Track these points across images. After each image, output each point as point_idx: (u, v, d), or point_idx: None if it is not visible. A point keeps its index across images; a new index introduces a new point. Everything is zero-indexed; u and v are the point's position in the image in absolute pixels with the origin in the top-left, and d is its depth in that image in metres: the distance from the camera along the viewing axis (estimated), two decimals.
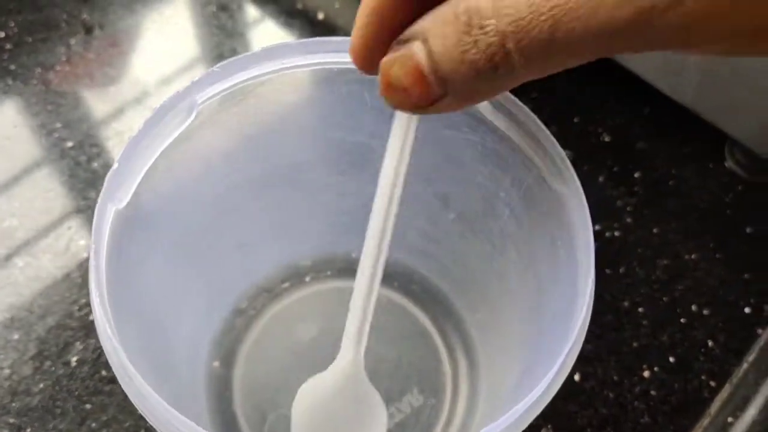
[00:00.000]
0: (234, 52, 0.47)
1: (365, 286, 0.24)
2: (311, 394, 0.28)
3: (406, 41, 0.18)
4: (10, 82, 0.44)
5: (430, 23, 0.18)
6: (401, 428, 0.34)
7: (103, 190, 0.25)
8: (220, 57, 0.47)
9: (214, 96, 0.27)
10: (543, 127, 0.26)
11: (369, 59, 0.20)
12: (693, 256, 0.40)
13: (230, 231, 0.33)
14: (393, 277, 0.37)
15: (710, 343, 0.38)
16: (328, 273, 0.38)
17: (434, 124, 0.30)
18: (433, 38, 0.18)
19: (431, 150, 0.31)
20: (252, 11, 0.49)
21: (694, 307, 0.39)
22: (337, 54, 0.28)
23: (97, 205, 0.24)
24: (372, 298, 0.25)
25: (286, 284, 0.37)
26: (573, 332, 0.22)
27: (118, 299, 0.23)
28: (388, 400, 0.34)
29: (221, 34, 0.48)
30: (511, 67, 0.17)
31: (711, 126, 0.42)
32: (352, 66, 0.22)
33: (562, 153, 0.26)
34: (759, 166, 0.42)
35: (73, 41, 0.46)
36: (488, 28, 0.17)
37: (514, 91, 0.22)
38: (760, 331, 0.38)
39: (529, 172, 0.27)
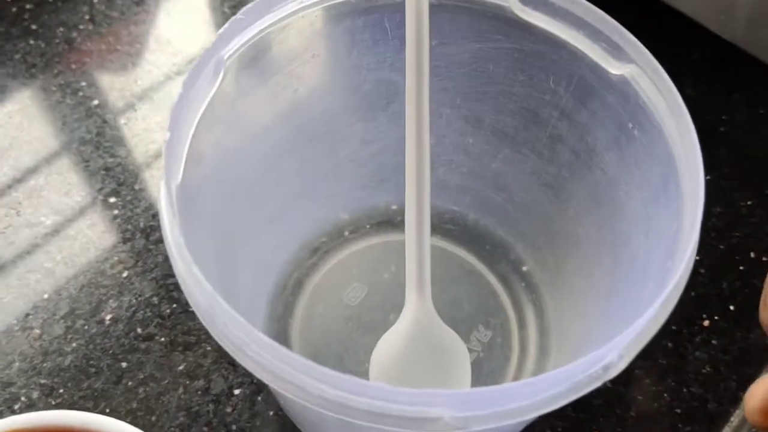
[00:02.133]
0: None
1: (414, 231, 0.23)
2: (387, 347, 0.27)
3: None
4: (32, 41, 0.43)
5: None
6: (478, 366, 0.32)
7: (164, 165, 0.22)
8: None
9: (239, 49, 0.26)
10: (597, 10, 0.24)
11: None
12: (748, 203, 0.38)
13: (265, 197, 0.32)
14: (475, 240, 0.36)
15: None
16: (367, 227, 0.37)
17: (459, 38, 0.28)
18: None
19: (455, 71, 0.30)
20: None
21: (752, 254, 0.37)
22: None
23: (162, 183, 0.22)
24: (425, 241, 0.24)
25: (324, 239, 0.36)
26: (679, 260, 0.21)
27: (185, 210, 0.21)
28: None
29: None
30: None
31: (762, 70, 0.40)
32: None
33: (621, 28, 0.24)
34: None
35: (96, 0, 0.45)
36: None
37: None
38: None
39: (581, 63, 0.25)
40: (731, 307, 0.35)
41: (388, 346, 0.27)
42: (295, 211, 0.34)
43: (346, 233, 0.36)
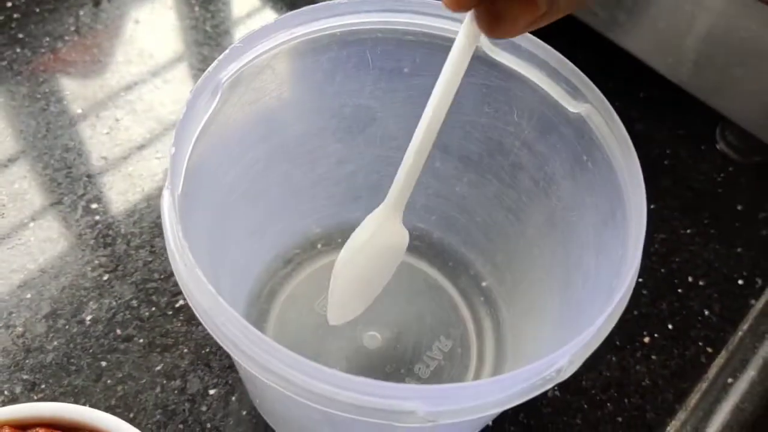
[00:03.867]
0: (238, 29, 0.48)
1: (420, 140, 0.26)
2: (355, 242, 0.30)
3: None
4: (18, 50, 0.44)
5: None
6: (440, 373, 0.35)
7: (169, 176, 0.24)
8: (226, 33, 0.47)
9: (234, 73, 0.28)
10: (559, 55, 0.27)
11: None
12: (688, 231, 0.42)
13: (247, 210, 0.34)
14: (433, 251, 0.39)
15: (706, 312, 0.39)
16: (339, 240, 0.39)
17: (434, 71, 0.31)
18: None
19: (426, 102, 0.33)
20: None
21: (690, 279, 0.40)
22: (340, 18, 0.29)
23: (164, 193, 0.24)
24: (424, 154, 0.26)
25: (298, 251, 0.38)
26: (623, 279, 0.23)
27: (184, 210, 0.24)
28: (420, 351, 0.35)
29: (227, 10, 0.48)
30: None
31: (704, 110, 0.44)
32: (353, 28, 0.23)
33: (578, 72, 0.27)
34: (748, 148, 0.44)
35: (81, 13, 0.46)
36: None
37: None
38: (753, 301, 0.39)
39: (541, 99, 0.28)
40: (669, 326, 0.39)
41: (357, 239, 0.30)
42: (273, 224, 0.36)
43: (319, 246, 0.39)
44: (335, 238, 0.39)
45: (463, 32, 0.23)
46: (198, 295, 0.22)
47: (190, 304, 0.22)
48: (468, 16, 0.23)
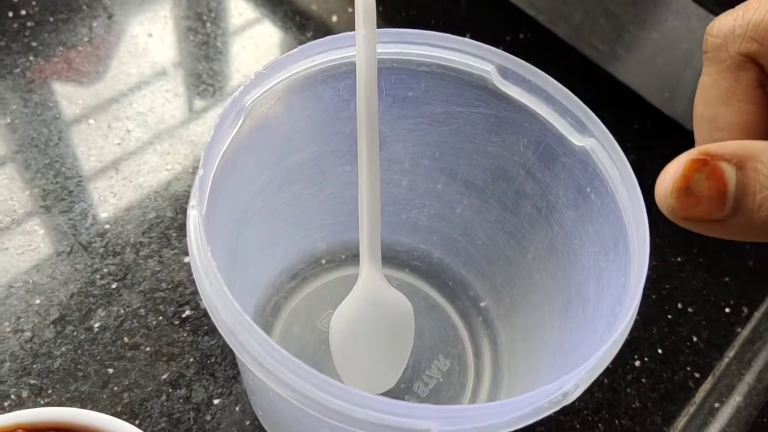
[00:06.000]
0: (246, 45, 0.49)
1: (367, 203, 0.27)
2: (344, 314, 0.31)
3: (717, 157, 0.18)
4: (31, 58, 0.45)
5: (748, 155, 0.18)
6: (437, 392, 0.36)
7: (194, 196, 0.25)
8: (234, 48, 0.48)
9: (256, 98, 0.29)
10: (565, 90, 0.29)
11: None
12: (678, 259, 0.43)
13: (260, 227, 0.35)
14: (398, 257, 0.40)
15: (694, 338, 0.41)
16: (343, 257, 0.40)
17: (444, 104, 0.33)
18: (750, 173, 0.18)
19: (439, 129, 0.34)
20: (267, 8, 0.51)
21: (679, 305, 0.42)
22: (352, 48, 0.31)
23: (190, 213, 0.25)
24: (376, 217, 0.28)
25: (303, 266, 0.39)
26: (626, 308, 0.25)
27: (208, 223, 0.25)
28: (419, 369, 0.36)
29: (237, 27, 0.49)
30: None
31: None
32: None
33: (584, 107, 0.28)
34: None
35: (95, 24, 0.47)
36: None
37: None
38: (739, 329, 0.41)
39: (547, 131, 0.30)
40: (659, 351, 0.40)
41: (346, 308, 0.31)
42: (281, 240, 0.37)
43: (323, 262, 0.40)
44: (339, 254, 0.40)
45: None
46: (224, 314, 0.23)
47: (215, 322, 0.23)
48: None
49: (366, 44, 0.28)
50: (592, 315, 0.29)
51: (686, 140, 0.45)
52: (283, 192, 0.35)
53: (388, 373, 0.34)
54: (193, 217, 0.24)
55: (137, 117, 0.44)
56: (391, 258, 0.40)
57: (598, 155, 0.29)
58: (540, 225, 0.34)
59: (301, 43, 0.50)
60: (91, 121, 0.43)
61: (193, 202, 0.25)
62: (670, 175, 0.19)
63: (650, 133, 0.48)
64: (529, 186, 0.33)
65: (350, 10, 0.51)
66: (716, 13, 0.39)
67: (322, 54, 0.30)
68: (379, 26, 0.51)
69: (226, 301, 0.22)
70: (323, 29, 0.50)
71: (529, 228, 0.35)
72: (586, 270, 0.31)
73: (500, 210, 0.35)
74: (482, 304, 0.39)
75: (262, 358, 0.22)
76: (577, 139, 0.30)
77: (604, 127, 0.29)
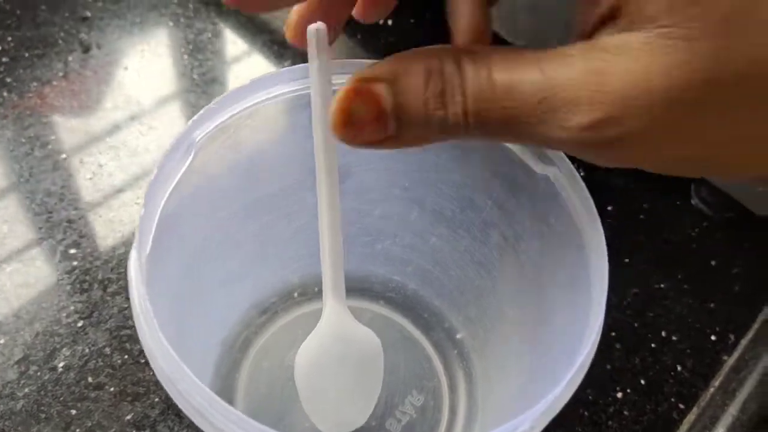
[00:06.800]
0: (225, 77, 0.48)
1: (328, 236, 0.27)
2: (308, 351, 0.30)
3: (370, 80, 0.20)
4: (5, 94, 0.45)
5: (399, 70, 0.20)
6: (411, 428, 0.35)
7: (137, 238, 0.25)
8: (213, 81, 0.48)
9: (209, 131, 0.28)
10: None
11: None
12: (662, 286, 0.42)
13: (222, 260, 0.34)
14: (372, 289, 0.39)
15: (679, 368, 0.39)
16: (316, 290, 0.39)
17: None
18: (402, 87, 0.20)
19: (406, 158, 0.33)
20: (246, 40, 0.51)
21: (663, 333, 0.40)
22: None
23: (131, 254, 0.25)
24: (338, 251, 0.28)
25: (274, 299, 0.38)
26: (585, 344, 0.24)
27: (151, 271, 0.24)
28: (392, 405, 0.35)
29: (215, 58, 0.49)
30: (464, 132, 0.20)
31: None
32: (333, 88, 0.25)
33: None
34: (721, 204, 0.45)
35: (70, 58, 0.47)
36: (457, 100, 0.19)
37: None
38: (725, 357, 0.40)
39: (512, 162, 0.29)
40: (642, 381, 0.39)
41: (310, 346, 0.31)
42: (249, 274, 0.36)
43: (296, 295, 0.39)
44: (312, 287, 0.39)
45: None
46: (161, 360, 0.22)
47: (154, 370, 0.22)
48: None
49: (319, 76, 0.28)
50: (560, 348, 0.28)
51: None
52: (249, 224, 0.34)
53: (358, 411, 0.33)
54: (133, 259, 0.24)
55: (110, 151, 0.43)
56: (365, 290, 0.39)
57: (561, 184, 0.28)
58: (508, 255, 0.33)
59: None
60: (63, 156, 0.43)
61: (135, 243, 0.24)
62: (332, 110, 0.21)
63: None
64: (496, 215, 0.32)
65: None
66: None
67: (280, 85, 0.30)
68: (356, 54, 0.51)
69: (162, 348, 0.22)
70: (301, 58, 0.50)
71: (498, 258, 0.34)
72: (553, 302, 0.30)
73: (469, 240, 0.35)
74: (458, 336, 0.38)
75: (204, 409, 0.21)
76: (539, 168, 0.29)
77: (565, 156, 0.28)
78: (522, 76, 0.19)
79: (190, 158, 0.27)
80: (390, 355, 0.37)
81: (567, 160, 0.28)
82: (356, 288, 0.39)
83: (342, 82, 0.30)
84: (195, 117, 0.27)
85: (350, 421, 0.33)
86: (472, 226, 0.34)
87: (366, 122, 0.20)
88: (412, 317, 0.39)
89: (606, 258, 0.25)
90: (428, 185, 0.34)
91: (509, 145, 0.30)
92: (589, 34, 0.19)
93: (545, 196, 0.29)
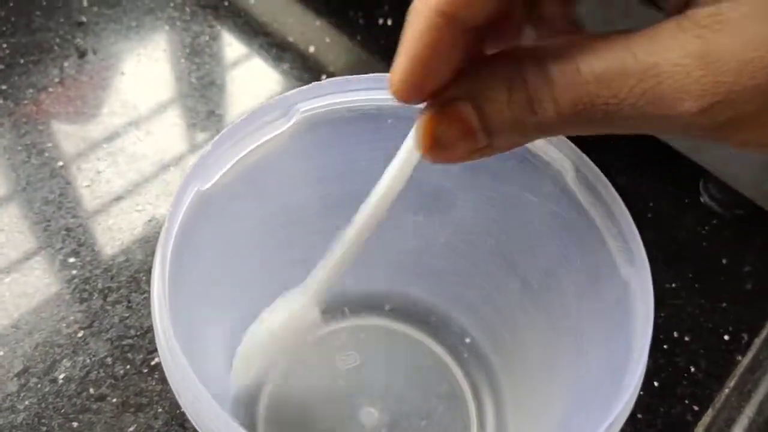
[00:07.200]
0: (223, 80, 0.48)
1: (347, 247, 0.25)
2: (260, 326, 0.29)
3: (449, 102, 0.19)
4: (1, 101, 0.44)
5: (477, 87, 0.19)
6: None
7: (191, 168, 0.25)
8: (211, 84, 0.47)
9: (313, 109, 0.28)
10: (624, 207, 0.27)
11: (414, 92, 0.20)
12: (673, 285, 0.42)
13: (258, 259, 0.33)
14: (442, 332, 0.38)
15: (692, 369, 0.39)
16: (346, 310, 0.38)
17: (514, 187, 0.31)
18: (485, 103, 0.19)
19: (506, 212, 0.32)
20: (244, 43, 0.50)
21: (675, 334, 0.40)
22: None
23: (180, 184, 0.24)
24: (349, 260, 0.26)
25: None
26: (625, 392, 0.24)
27: (173, 292, 0.23)
28: None
29: (213, 61, 0.48)
30: (562, 129, 0.19)
31: (688, 163, 0.44)
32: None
33: (638, 238, 0.27)
34: (731, 201, 0.44)
35: (66, 64, 0.46)
36: (547, 105, 0.18)
37: None
38: (739, 357, 0.39)
39: (601, 252, 0.28)
40: (655, 383, 0.38)
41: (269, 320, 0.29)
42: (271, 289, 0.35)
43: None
44: (338, 305, 0.37)
45: (405, 146, 0.23)
46: (182, 384, 0.21)
47: (178, 399, 0.22)
48: (412, 131, 0.22)
49: (404, 166, 0.24)
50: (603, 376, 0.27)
51: (675, 161, 0.44)
52: (268, 244, 0.33)
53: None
54: (157, 280, 0.23)
55: (107, 157, 0.43)
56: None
57: (633, 289, 0.27)
58: (552, 309, 0.32)
59: (281, 74, 0.49)
60: (60, 163, 0.42)
61: (157, 267, 0.23)
62: (419, 135, 0.20)
63: (640, 157, 0.47)
64: (574, 307, 0.31)
65: (327, 39, 0.50)
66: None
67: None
68: (356, 54, 0.50)
69: (183, 371, 0.21)
70: (300, 60, 0.49)
71: (563, 353, 0.32)
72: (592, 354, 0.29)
73: (546, 323, 0.33)
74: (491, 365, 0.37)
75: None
76: (623, 270, 0.28)
77: (644, 255, 0.27)
78: (615, 64, 0.17)
79: (289, 124, 0.27)
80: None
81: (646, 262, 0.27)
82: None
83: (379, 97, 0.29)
84: (303, 87, 0.27)
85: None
86: (552, 307, 0.33)
87: (455, 141, 0.19)
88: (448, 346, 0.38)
89: (652, 302, 0.25)
90: (525, 249, 0.33)
91: (606, 234, 0.28)
92: (679, 8, 0.18)
93: (618, 305, 0.28)
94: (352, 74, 0.30)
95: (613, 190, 0.29)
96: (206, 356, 0.28)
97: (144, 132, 0.44)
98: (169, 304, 0.23)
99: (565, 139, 0.29)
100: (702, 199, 0.45)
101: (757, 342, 0.40)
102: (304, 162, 0.31)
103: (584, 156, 0.29)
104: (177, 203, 0.25)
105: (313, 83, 0.29)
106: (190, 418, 0.22)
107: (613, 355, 0.27)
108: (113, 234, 0.40)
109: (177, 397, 0.22)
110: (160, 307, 0.23)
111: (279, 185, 0.31)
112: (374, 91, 0.29)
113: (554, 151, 0.29)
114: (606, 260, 0.28)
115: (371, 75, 0.29)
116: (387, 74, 0.29)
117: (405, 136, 0.31)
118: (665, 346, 0.39)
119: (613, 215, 0.28)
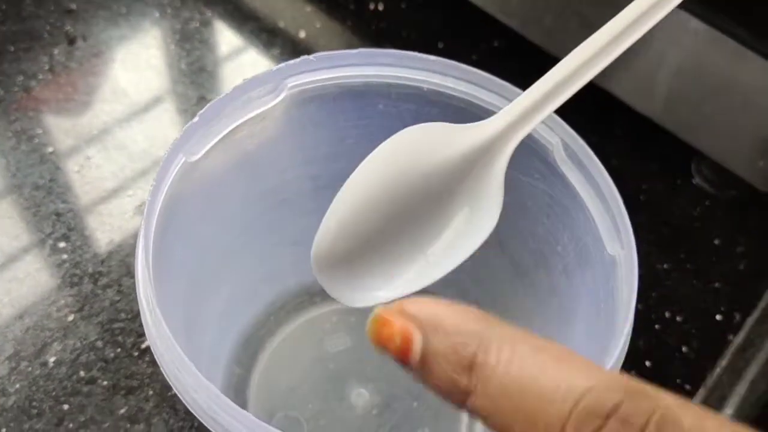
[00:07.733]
0: (214, 66, 0.48)
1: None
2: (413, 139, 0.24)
3: (409, 317, 0.18)
4: None
5: (438, 327, 0.18)
6: None
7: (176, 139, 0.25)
8: (201, 70, 0.47)
9: (302, 85, 0.28)
10: (612, 184, 0.27)
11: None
12: (665, 266, 0.42)
13: (254, 238, 0.33)
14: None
15: (684, 349, 0.39)
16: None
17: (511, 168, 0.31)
18: (432, 345, 0.18)
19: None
20: (234, 28, 0.50)
21: (667, 314, 0.40)
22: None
23: (166, 155, 0.24)
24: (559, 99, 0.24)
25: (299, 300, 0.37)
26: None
27: (158, 269, 0.23)
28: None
29: (203, 47, 0.48)
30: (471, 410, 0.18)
31: (679, 145, 0.44)
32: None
33: (626, 215, 0.27)
34: (724, 182, 0.44)
35: (56, 51, 0.46)
36: (475, 384, 0.18)
37: None
38: (731, 337, 0.39)
39: (590, 230, 0.28)
40: (647, 363, 0.38)
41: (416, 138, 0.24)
42: (261, 273, 0.35)
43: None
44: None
45: None
46: (168, 360, 0.21)
47: (166, 376, 0.22)
48: None
49: None
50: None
51: (666, 142, 0.44)
52: (257, 223, 0.33)
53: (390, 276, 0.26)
54: (140, 258, 0.23)
55: (97, 143, 0.43)
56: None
57: (620, 266, 0.27)
58: (560, 321, 0.32)
59: (271, 60, 0.49)
60: (50, 149, 0.42)
61: (140, 242, 0.23)
62: (371, 318, 0.19)
63: (631, 138, 0.46)
64: (562, 286, 0.31)
65: (318, 25, 0.50)
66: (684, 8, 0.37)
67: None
68: (347, 40, 0.50)
69: (169, 347, 0.21)
70: (290, 46, 0.49)
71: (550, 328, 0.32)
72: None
73: (534, 300, 0.33)
74: None
75: (218, 415, 0.21)
76: (610, 247, 0.27)
77: (631, 232, 0.27)
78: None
79: (278, 99, 0.27)
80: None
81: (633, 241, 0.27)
82: None
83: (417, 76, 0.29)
84: (291, 62, 0.27)
85: (373, 287, 0.25)
86: (540, 285, 0.33)
87: (392, 348, 0.19)
88: None
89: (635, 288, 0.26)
90: (515, 231, 0.32)
91: (593, 212, 0.28)
92: None
93: (606, 279, 0.28)
94: None
95: (601, 166, 0.28)
96: (194, 332, 0.28)
97: (134, 118, 0.44)
98: (153, 275, 0.22)
99: (554, 115, 0.28)
100: (694, 180, 0.45)
101: (749, 322, 0.40)
102: (292, 138, 0.31)
103: (573, 132, 0.29)
104: (162, 172, 0.25)
105: (302, 57, 0.29)
106: (171, 384, 0.22)
107: (600, 332, 0.27)
108: (103, 219, 0.40)
109: (160, 364, 0.22)
110: (143, 275, 0.23)
111: (269, 163, 0.31)
112: (363, 67, 0.29)
113: (542, 127, 0.29)
114: (593, 237, 0.28)
115: (360, 50, 0.29)
116: (375, 49, 0.29)
117: (393, 115, 0.32)
118: (657, 327, 0.39)
119: (601, 193, 0.28)
